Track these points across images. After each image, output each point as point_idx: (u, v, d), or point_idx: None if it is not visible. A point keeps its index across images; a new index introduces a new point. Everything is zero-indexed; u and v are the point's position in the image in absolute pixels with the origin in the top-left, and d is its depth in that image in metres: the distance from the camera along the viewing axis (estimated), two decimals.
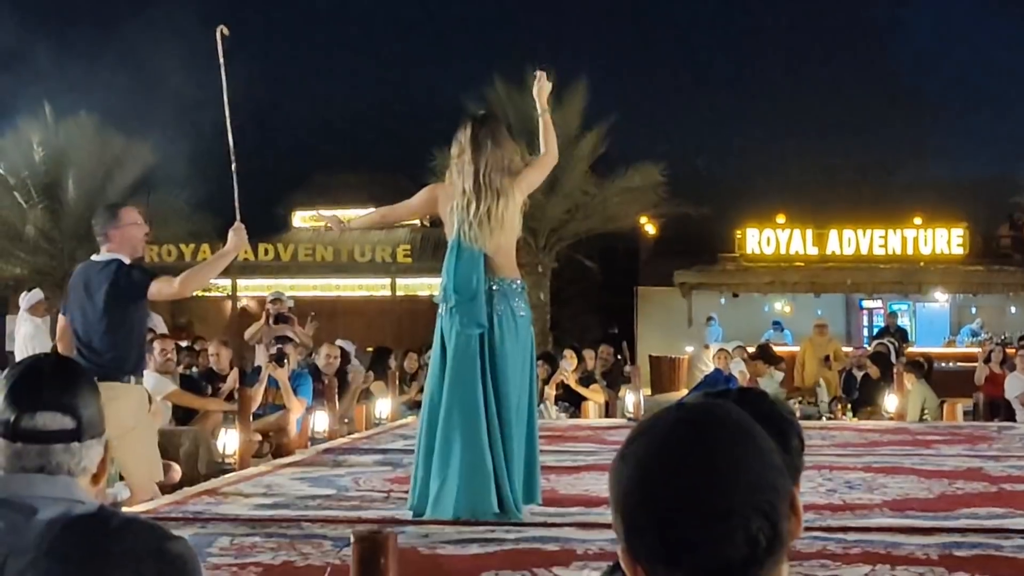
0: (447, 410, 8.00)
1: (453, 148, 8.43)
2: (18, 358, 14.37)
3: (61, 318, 8.88)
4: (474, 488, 7.83)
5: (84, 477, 3.00)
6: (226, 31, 9.12)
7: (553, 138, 8.74)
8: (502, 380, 8.04)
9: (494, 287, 8.17)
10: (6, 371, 3.12)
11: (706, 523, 1.90)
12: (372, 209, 9.78)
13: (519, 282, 8.36)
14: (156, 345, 12.87)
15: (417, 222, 37.37)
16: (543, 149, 8.68)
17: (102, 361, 8.15)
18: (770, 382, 18.37)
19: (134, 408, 8.40)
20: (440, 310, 8.36)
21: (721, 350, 16.46)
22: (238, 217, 8.97)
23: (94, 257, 8.61)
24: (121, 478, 8.84)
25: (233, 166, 9.20)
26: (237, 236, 8.85)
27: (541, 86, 8.84)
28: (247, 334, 16.47)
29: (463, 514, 7.76)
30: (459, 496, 7.82)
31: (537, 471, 8.34)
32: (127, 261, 8.45)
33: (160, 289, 8.50)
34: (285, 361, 13.34)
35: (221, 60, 9.06)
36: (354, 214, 34.57)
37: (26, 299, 16.04)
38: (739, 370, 17.88)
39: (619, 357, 19.58)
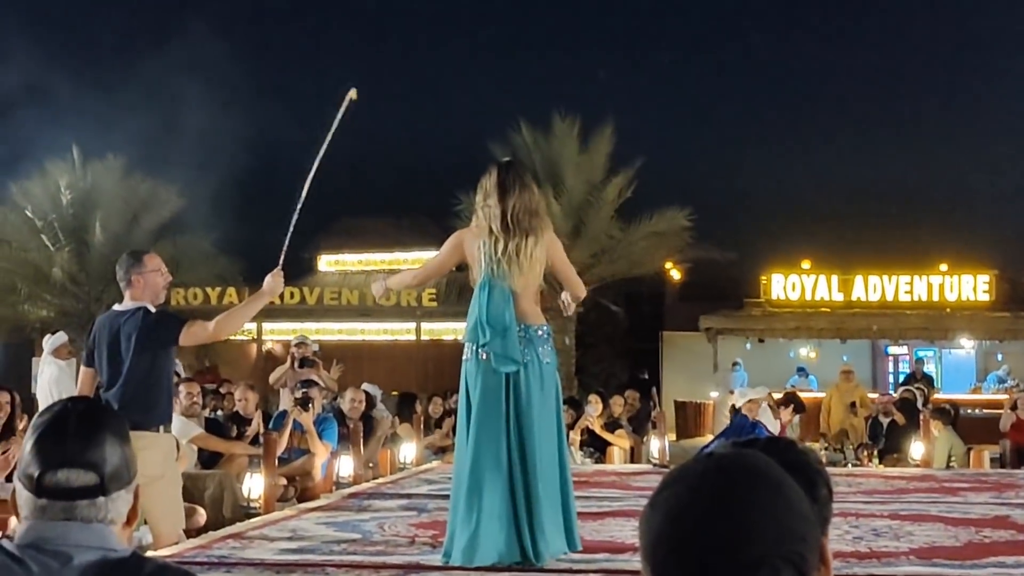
0: (473, 458, 7.98)
1: (478, 195, 8.46)
2: (41, 401, 14.41)
3: (84, 368, 8.86)
4: (499, 536, 7.80)
5: (114, 526, 3.01)
6: (354, 95, 9.14)
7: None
8: (527, 428, 8.02)
9: (520, 333, 8.16)
10: (35, 418, 3.13)
11: (735, 573, 1.90)
12: (407, 269, 9.72)
13: (545, 328, 8.35)
14: (182, 388, 12.89)
15: None
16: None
17: (131, 411, 8.15)
18: (789, 430, 18.30)
19: (162, 457, 8.41)
20: (465, 355, 8.34)
21: (751, 400, 16.32)
22: (280, 263, 8.97)
23: (116, 307, 8.60)
24: (145, 522, 8.84)
25: (294, 219, 9.20)
26: (274, 280, 8.85)
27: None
28: (272, 378, 16.47)
29: (487, 562, 7.73)
30: (486, 544, 7.80)
31: (574, 518, 8.31)
32: (152, 308, 8.46)
33: (194, 334, 8.52)
34: (310, 405, 13.33)
35: (337, 121, 9.09)
36: (379, 258, 34.74)
37: (50, 342, 16.09)
38: (768, 419, 17.80)
39: (651, 403, 19.52)
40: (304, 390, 13.61)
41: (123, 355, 8.32)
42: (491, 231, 8.21)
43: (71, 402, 3.21)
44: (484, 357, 8.12)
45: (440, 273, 9.30)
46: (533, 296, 8.36)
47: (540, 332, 8.28)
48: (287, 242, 9.16)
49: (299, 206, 9.17)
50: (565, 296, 8.79)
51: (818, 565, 1.96)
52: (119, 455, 3.05)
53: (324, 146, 9.09)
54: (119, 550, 2.95)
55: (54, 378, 15.93)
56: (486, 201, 8.32)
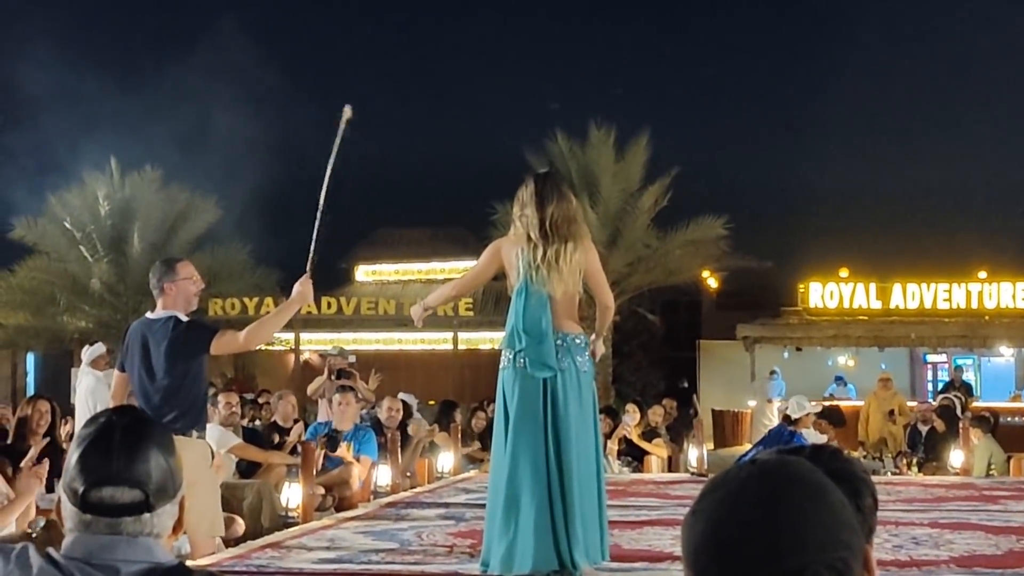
0: (511, 466, 7.97)
1: (515, 206, 8.43)
2: (79, 412, 14.45)
3: (117, 373, 8.91)
4: (537, 545, 7.79)
5: (160, 539, 3.01)
6: (349, 113, 9.17)
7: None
8: (565, 436, 8.00)
9: (557, 341, 8.15)
10: (79, 430, 3.13)
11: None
12: (444, 284, 9.62)
13: (582, 337, 8.33)
14: (221, 398, 12.94)
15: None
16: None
17: (164, 418, 8.19)
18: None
19: (196, 463, 8.43)
20: (502, 363, 8.33)
21: (808, 414, 16.25)
22: (308, 271, 8.98)
23: (149, 315, 8.64)
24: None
25: (316, 229, 9.21)
26: (303, 288, 8.86)
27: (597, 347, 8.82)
28: (310, 389, 16.51)
29: (525, 570, 7.72)
30: (523, 552, 7.79)
31: (606, 528, 8.29)
32: (183, 317, 8.49)
33: (225, 343, 8.55)
34: (338, 442, 13.26)
35: (338, 139, 9.11)
36: (416, 268, 34.73)
37: (88, 352, 16.13)
38: (811, 433, 17.74)
39: (692, 411, 19.50)
40: (328, 432, 13.50)
41: (154, 363, 8.35)
42: (529, 238, 8.19)
43: (115, 414, 3.21)
44: (521, 364, 8.11)
45: (478, 283, 9.26)
46: (571, 305, 8.34)
47: (578, 341, 8.26)
48: (312, 249, 9.17)
49: (317, 224, 9.18)
50: (595, 345, 8.74)
51: (862, 573, 1.95)
52: (164, 469, 3.06)
53: (329, 168, 9.11)
54: (165, 562, 2.96)
55: (91, 389, 15.96)
56: (523, 211, 8.30)
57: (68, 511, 2.99)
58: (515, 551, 7.81)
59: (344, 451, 13.14)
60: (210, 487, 8.76)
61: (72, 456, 3.02)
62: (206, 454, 8.73)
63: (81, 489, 2.95)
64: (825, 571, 1.90)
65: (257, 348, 32.69)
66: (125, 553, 2.92)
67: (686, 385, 34.02)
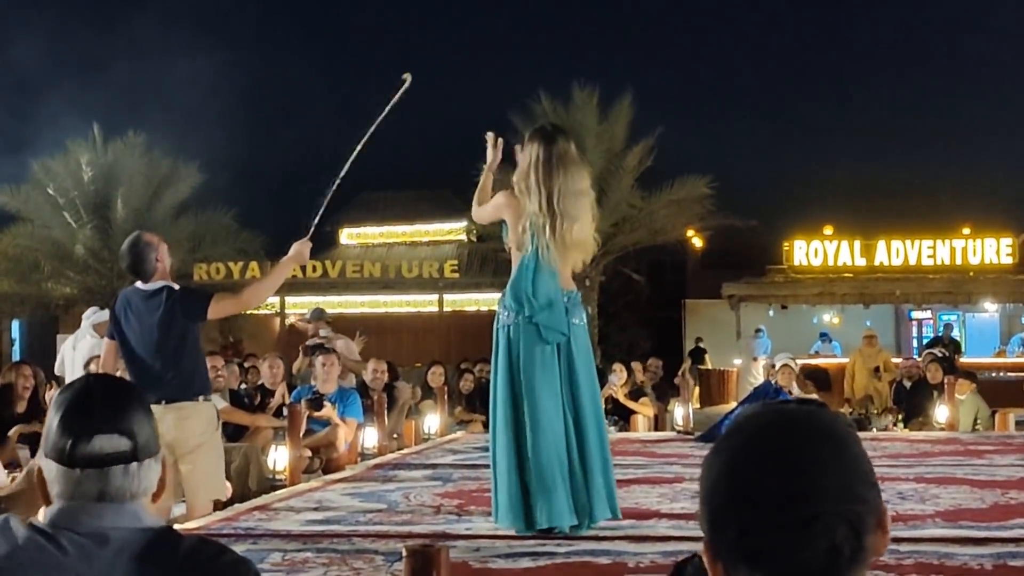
0: (532, 424, 7.96)
1: (521, 161, 8.31)
2: (73, 374, 14.42)
3: (108, 342, 8.92)
4: (560, 500, 7.82)
5: (145, 498, 3.02)
6: (409, 81, 9.15)
7: None
8: (578, 391, 8.03)
9: (565, 299, 8.15)
10: (56, 395, 3.13)
11: (788, 527, 1.91)
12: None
13: (575, 292, 8.35)
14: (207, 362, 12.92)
15: (464, 237, 37.51)
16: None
17: (169, 383, 8.23)
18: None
19: (203, 426, 8.48)
20: (502, 321, 8.29)
21: (785, 366, 16.35)
22: (310, 233, 8.99)
23: (140, 285, 8.63)
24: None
25: (330, 193, 9.20)
26: (301, 247, 8.89)
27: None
28: (294, 368, 16.62)
29: (546, 525, 7.75)
30: (543, 509, 7.81)
31: (614, 483, 8.28)
32: (175, 286, 8.52)
33: (223, 307, 8.60)
34: (323, 403, 13.25)
35: (391, 104, 9.08)
36: (401, 230, 34.78)
37: (94, 316, 16.04)
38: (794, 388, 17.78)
39: (696, 371, 19.50)
40: (314, 394, 13.49)
41: (152, 332, 8.38)
42: (538, 210, 8.10)
43: (91, 378, 3.23)
44: (530, 326, 8.09)
45: (495, 217, 8.70)
46: (576, 264, 8.33)
47: (577, 297, 8.29)
48: (320, 213, 9.17)
49: (337, 181, 9.18)
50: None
51: (875, 529, 1.97)
52: (147, 425, 3.07)
53: (374, 127, 9.10)
54: (154, 527, 2.96)
55: (93, 351, 15.87)
56: (528, 176, 8.20)
57: (55, 474, 2.97)
58: (537, 507, 7.81)
59: (329, 411, 13.15)
60: (215, 450, 8.80)
61: (53, 420, 3.02)
62: (212, 418, 8.76)
63: (69, 444, 2.95)
64: (837, 521, 1.91)
65: (243, 313, 32.79)
66: (113, 520, 2.91)
67: (700, 343, 33.94)
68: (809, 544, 1.90)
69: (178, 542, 2.94)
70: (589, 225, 8.23)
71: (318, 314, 17.16)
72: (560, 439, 7.93)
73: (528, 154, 8.24)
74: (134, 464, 2.99)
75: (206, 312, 8.49)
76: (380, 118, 9.09)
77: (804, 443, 1.97)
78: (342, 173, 9.11)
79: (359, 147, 9.10)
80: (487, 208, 8.68)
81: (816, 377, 18.65)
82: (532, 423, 7.96)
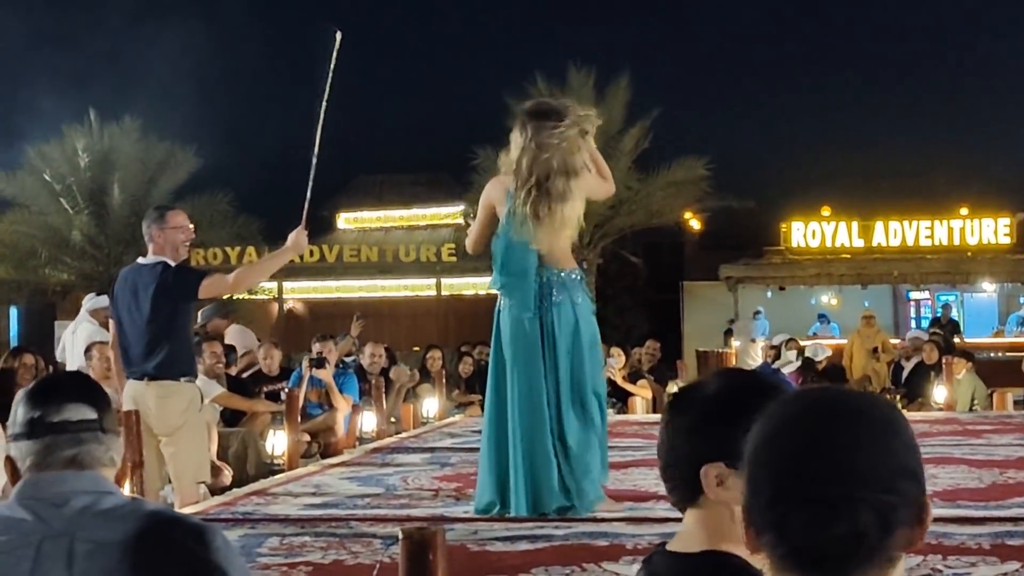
0: (512, 407, 7.97)
1: (512, 147, 8.26)
2: (72, 362, 14.41)
3: (112, 324, 8.94)
4: (535, 487, 7.83)
5: (112, 469, 3.09)
6: (339, 38, 9.08)
7: (609, 173, 8.69)
8: (559, 371, 8.00)
9: (553, 277, 8.11)
10: (22, 391, 3.25)
11: (816, 503, 1.93)
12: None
13: (578, 272, 8.30)
14: (205, 347, 12.92)
15: (462, 221, 37.47)
16: (604, 179, 8.57)
17: (153, 361, 8.22)
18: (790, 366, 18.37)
19: (183, 407, 8.45)
20: (498, 305, 8.32)
21: (771, 346, 16.40)
22: (304, 220, 8.97)
23: (140, 260, 8.67)
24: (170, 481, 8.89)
25: (312, 174, 9.17)
26: (298, 237, 8.87)
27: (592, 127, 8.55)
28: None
29: (524, 512, 7.75)
30: (521, 493, 7.82)
31: (606, 465, 8.27)
32: (171, 263, 8.51)
33: (213, 286, 8.61)
34: (325, 363, 13.33)
35: (331, 69, 9.03)
36: (398, 214, 34.70)
37: (92, 302, 16.03)
38: (789, 362, 17.80)
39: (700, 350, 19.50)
40: (319, 352, 13.60)
41: (142, 307, 8.38)
42: (517, 185, 8.07)
43: (47, 376, 3.36)
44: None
45: (481, 236, 8.60)
46: (565, 246, 8.28)
47: (574, 276, 8.24)
48: (308, 198, 9.14)
49: (314, 161, 9.14)
50: None
51: (911, 523, 1.97)
52: (109, 406, 3.22)
53: (323, 103, 9.05)
54: (115, 494, 3.01)
55: (91, 337, 15.86)
56: (513, 154, 8.17)
57: (24, 450, 3.06)
58: (520, 491, 7.82)
59: (328, 374, 13.21)
60: (196, 431, 8.77)
61: (19, 405, 3.13)
62: (194, 399, 8.74)
63: (38, 414, 3.05)
64: (865, 508, 1.92)
65: (240, 297, 32.67)
66: (72, 485, 2.99)
67: (732, 321, 33.78)
68: (832, 524, 1.92)
69: (140, 504, 3.01)
70: (577, 208, 8.17)
71: (215, 310, 16.36)
72: (539, 419, 7.93)
73: (516, 134, 8.21)
74: (100, 433, 3.10)
75: (197, 290, 8.50)
76: (327, 85, 9.04)
77: (850, 426, 1.98)
78: (316, 146, 9.07)
79: (320, 122, 9.05)
80: (481, 218, 8.56)
81: (832, 374, 18.56)
82: (510, 402, 7.98)
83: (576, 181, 8.11)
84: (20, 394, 3.18)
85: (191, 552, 2.90)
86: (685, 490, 2.71)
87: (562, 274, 8.15)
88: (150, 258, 8.56)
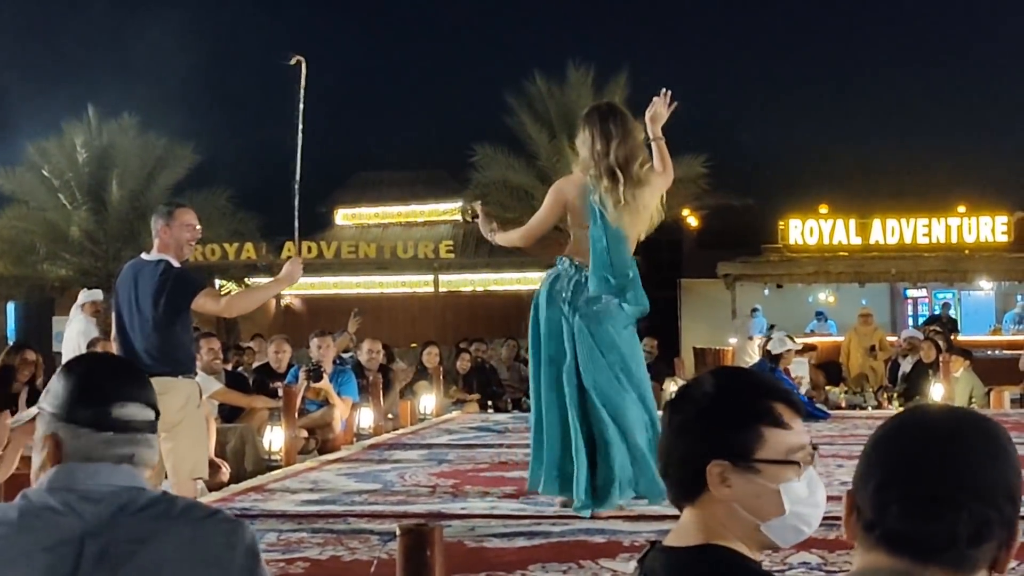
0: (552, 401, 8.01)
1: (580, 146, 8.27)
2: (68, 354, 14.46)
3: (113, 318, 8.94)
4: (558, 471, 7.87)
5: (150, 470, 3.07)
6: (301, 62, 9.11)
7: (670, 162, 8.64)
8: (586, 370, 8.01)
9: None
10: (69, 365, 3.17)
11: (918, 499, 2.06)
12: (513, 232, 9.15)
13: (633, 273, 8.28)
14: (203, 344, 12.92)
15: (459, 217, 37.46)
16: (662, 170, 8.54)
17: (152, 357, 8.21)
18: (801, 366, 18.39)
19: (181, 403, 8.43)
20: (545, 296, 8.26)
21: (788, 350, 16.39)
22: (297, 251, 9.00)
23: (144, 255, 8.67)
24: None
25: (296, 200, 9.19)
26: (292, 267, 8.87)
27: (656, 112, 8.60)
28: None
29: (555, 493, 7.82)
30: (545, 475, 7.87)
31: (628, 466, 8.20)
32: (175, 263, 8.50)
33: (205, 304, 8.60)
34: (323, 373, 13.30)
35: (302, 91, 9.06)
36: (396, 211, 34.61)
37: (82, 296, 16.06)
38: (802, 374, 17.80)
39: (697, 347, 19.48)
40: (317, 361, 13.57)
41: (142, 302, 8.37)
42: (598, 178, 8.08)
43: (101, 355, 3.31)
44: (567, 304, 8.08)
45: (541, 231, 8.69)
46: (635, 238, 8.29)
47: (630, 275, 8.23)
48: (296, 227, 9.20)
49: (296, 187, 9.17)
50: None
51: (1002, 541, 2.08)
52: (157, 403, 3.16)
53: (300, 121, 9.08)
54: (149, 490, 2.99)
55: (82, 331, 15.98)
56: (590, 148, 8.17)
57: (84, 439, 2.97)
58: (545, 474, 7.85)
59: (327, 385, 13.21)
60: (194, 428, 8.74)
61: (73, 385, 3.04)
62: (193, 395, 8.72)
63: (105, 406, 2.99)
64: (965, 513, 2.04)
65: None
66: (109, 479, 2.93)
67: (822, 313, 33.52)
68: (930, 519, 2.04)
69: (173, 500, 2.99)
70: (654, 193, 8.19)
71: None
72: (562, 416, 7.98)
73: (585, 134, 8.22)
74: (152, 435, 3.07)
75: (190, 303, 8.50)
76: (300, 111, 9.07)
77: (968, 438, 2.12)
78: (297, 176, 9.09)
79: (299, 145, 9.08)
80: (543, 213, 8.55)
81: (828, 370, 18.60)
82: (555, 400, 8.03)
83: (651, 170, 8.16)
84: (69, 375, 3.07)
85: (227, 547, 2.92)
86: (685, 487, 2.73)
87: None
88: (154, 254, 8.55)
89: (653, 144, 8.52)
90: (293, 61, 9.09)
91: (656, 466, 7.74)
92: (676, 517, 2.80)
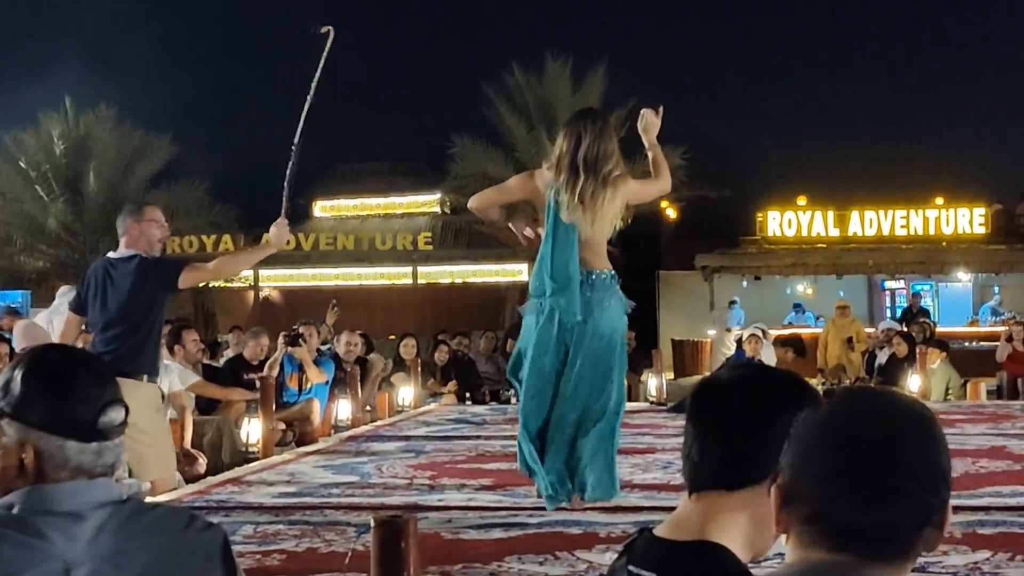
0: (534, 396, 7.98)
1: (557, 143, 8.25)
2: None
3: (70, 315, 8.88)
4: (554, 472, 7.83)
5: (116, 473, 2.95)
6: (331, 34, 9.05)
7: (666, 169, 8.64)
8: (576, 371, 7.97)
9: (589, 279, 8.07)
10: (32, 368, 2.92)
11: (864, 488, 2.02)
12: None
13: (607, 273, 8.20)
14: (185, 335, 12.90)
15: (438, 209, 37.45)
16: (655, 176, 8.56)
17: (119, 356, 8.13)
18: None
19: (145, 408, 8.34)
20: (527, 308, 8.25)
21: (752, 335, 16.46)
22: (283, 212, 8.94)
23: (111, 254, 8.61)
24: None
25: (291, 164, 9.14)
26: (279, 229, 8.83)
27: (647, 122, 8.63)
28: (266, 368, 16.62)
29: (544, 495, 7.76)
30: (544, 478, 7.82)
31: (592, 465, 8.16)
32: (146, 255, 8.46)
33: (193, 276, 8.56)
34: (301, 341, 13.33)
35: (321, 63, 9.00)
36: (374, 203, 34.65)
37: (69, 293, 16.04)
38: (768, 356, 17.82)
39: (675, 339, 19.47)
40: (294, 330, 13.62)
41: (117, 301, 8.32)
42: (559, 171, 8.05)
43: (67, 349, 3.17)
44: (547, 311, 8.03)
45: (498, 199, 8.71)
46: (602, 242, 8.23)
47: (603, 277, 8.15)
48: (287, 190, 9.13)
49: (292, 160, 9.11)
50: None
51: (938, 524, 2.07)
52: None
53: (312, 88, 9.02)
54: (126, 501, 2.89)
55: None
56: (560, 146, 8.14)
57: (63, 449, 2.81)
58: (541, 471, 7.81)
59: (304, 353, 13.23)
60: (160, 432, 8.67)
61: (48, 389, 2.86)
62: (156, 399, 8.64)
63: (90, 413, 2.84)
64: (910, 502, 2.03)
65: (216, 285, 32.55)
66: (88, 496, 2.80)
67: (915, 313, 33.40)
68: (875, 510, 2.01)
69: (152, 511, 2.92)
70: (618, 200, 8.14)
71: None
72: (544, 414, 7.94)
73: (564, 132, 8.20)
74: (123, 437, 2.94)
75: (177, 280, 8.45)
76: (315, 78, 9.02)
77: (908, 426, 2.08)
78: (296, 141, 9.04)
79: (304, 112, 9.03)
80: (507, 184, 8.60)
81: (793, 344, 18.62)
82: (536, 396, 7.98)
83: (620, 172, 8.12)
84: (55, 379, 2.87)
85: (208, 557, 2.89)
86: (712, 483, 2.66)
87: (592, 275, 8.08)
88: (123, 251, 8.48)
89: (649, 152, 8.55)
90: (324, 30, 9.03)
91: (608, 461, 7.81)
92: (653, 508, 2.79)
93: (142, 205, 8.82)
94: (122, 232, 8.58)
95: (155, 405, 8.57)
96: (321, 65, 8.98)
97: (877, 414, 2.08)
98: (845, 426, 2.07)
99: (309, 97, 8.99)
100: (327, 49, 9.01)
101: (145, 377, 8.36)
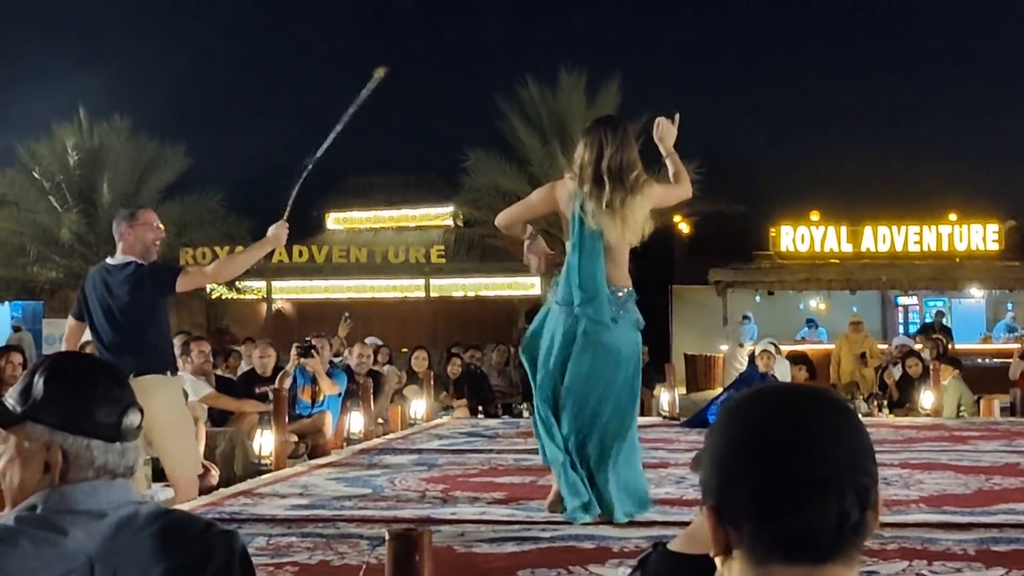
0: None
1: (578, 152, 8.23)
2: None
3: (72, 321, 8.91)
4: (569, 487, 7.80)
5: (133, 475, 2.98)
6: (383, 75, 9.08)
7: (686, 175, 8.63)
8: (577, 380, 7.96)
9: (618, 293, 8.06)
10: (57, 372, 2.97)
11: (802, 488, 1.96)
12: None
13: (626, 289, 8.19)
14: (194, 347, 12.92)
15: (451, 222, 37.47)
16: (676, 183, 8.56)
17: (133, 356, 8.16)
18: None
19: (168, 400, 8.40)
20: (547, 313, 8.24)
21: (764, 351, 16.44)
22: (285, 215, 8.96)
23: (109, 260, 8.66)
24: (156, 479, 8.88)
25: (302, 175, 9.15)
26: (278, 231, 8.85)
27: (663, 130, 8.63)
28: (279, 380, 16.65)
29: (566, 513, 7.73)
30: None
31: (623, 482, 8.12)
32: (142, 262, 8.51)
33: (191, 279, 8.59)
34: (313, 352, 13.33)
35: (362, 97, 9.03)
36: (387, 215, 34.71)
37: None
38: (781, 371, 17.78)
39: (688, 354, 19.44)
40: (308, 341, 13.62)
41: (116, 306, 8.36)
42: (583, 183, 8.03)
43: (75, 354, 3.21)
44: (569, 318, 8.01)
45: (522, 216, 8.65)
46: (624, 255, 8.21)
47: (620, 295, 8.14)
48: (294, 195, 9.14)
49: (308, 166, 9.13)
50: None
51: (876, 503, 2.03)
52: None
53: (345, 118, 9.05)
54: (145, 503, 2.94)
55: None
56: (581, 156, 8.11)
57: (89, 449, 2.87)
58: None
59: (317, 364, 13.22)
60: (183, 423, 8.74)
61: (74, 391, 2.91)
62: (178, 392, 8.72)
63: (116, 416, 2.91)
64: (848, 489, 1.97)
65: (229, 297, 32.52)
66: (108, 496, 2.86)
67: (941, 321, 33.27)
68: (820, 507, 1.96)
69: (169, 514, 2.93)
70: (645, 207, 8.13)
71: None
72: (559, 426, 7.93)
73: (584, 141, 8.18)
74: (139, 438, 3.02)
75: (175, 284, 8.49)
76: (352, 108, 9.04)
77: (820, 413, 2.03)
78: (316, 156, 9.07)
79: (333, 134, 9.05)
80: (530, 199, 8.56)
81: (805, 362, 18.57)
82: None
83: (645, 177, 8.12)
84: (80, 382, 2.93)
85: (226, 564, 2.89)
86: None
87: (611, 291, 8.07)
88: (119, 258, 8.54)
89: (667, 160, 8.55)
90: (381, 72, 9.08)
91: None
92: (666, 523, 2.78)
93: (135, 210, 8.86)
94: (118, 237, 8.65)
95: (179, 398, 8.64)
96: (363, 97, 9.02)
97: (789, 413, 2.03)
98: (761, 434, 2.02)
99: (343, 121, 9.02)
100: (374, 85, 9.04)
101: (167, 372, 8.43)
